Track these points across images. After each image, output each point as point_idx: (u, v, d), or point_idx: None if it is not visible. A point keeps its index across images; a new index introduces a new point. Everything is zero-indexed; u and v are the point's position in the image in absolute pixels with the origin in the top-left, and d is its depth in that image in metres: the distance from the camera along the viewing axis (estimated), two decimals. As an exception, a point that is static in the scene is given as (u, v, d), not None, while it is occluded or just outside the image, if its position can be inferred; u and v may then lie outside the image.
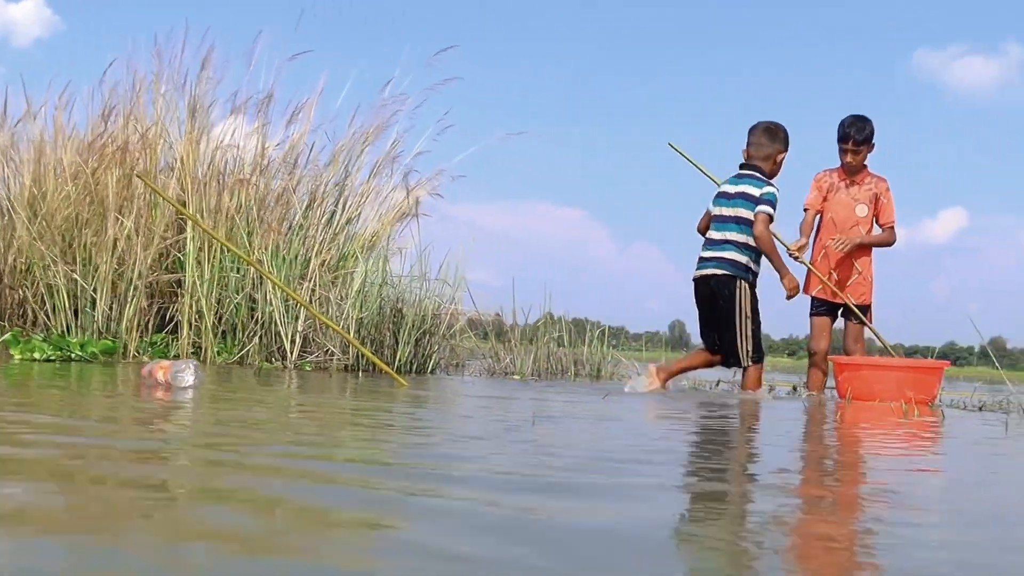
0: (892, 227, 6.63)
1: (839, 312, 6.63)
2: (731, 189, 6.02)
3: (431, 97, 7.84)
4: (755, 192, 5.87)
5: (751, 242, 5.87)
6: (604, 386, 6.41)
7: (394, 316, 6.66)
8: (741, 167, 6.09)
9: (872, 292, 6.60)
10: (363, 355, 6.41)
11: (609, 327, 8.43)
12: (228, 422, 2.93)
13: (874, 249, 6.62)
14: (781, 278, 5.90)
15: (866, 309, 6.56)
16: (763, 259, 5.98)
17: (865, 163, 6.64)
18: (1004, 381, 6.59)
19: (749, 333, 5.91)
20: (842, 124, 6.55)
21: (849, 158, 6.53)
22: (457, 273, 7.19)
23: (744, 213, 5.89)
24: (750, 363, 5.95)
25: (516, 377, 7.10)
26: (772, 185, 5.93)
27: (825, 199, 6.68)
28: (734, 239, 5.90)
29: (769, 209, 5.82)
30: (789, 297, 5.92)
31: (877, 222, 6.67)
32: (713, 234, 6.01)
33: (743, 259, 5.91)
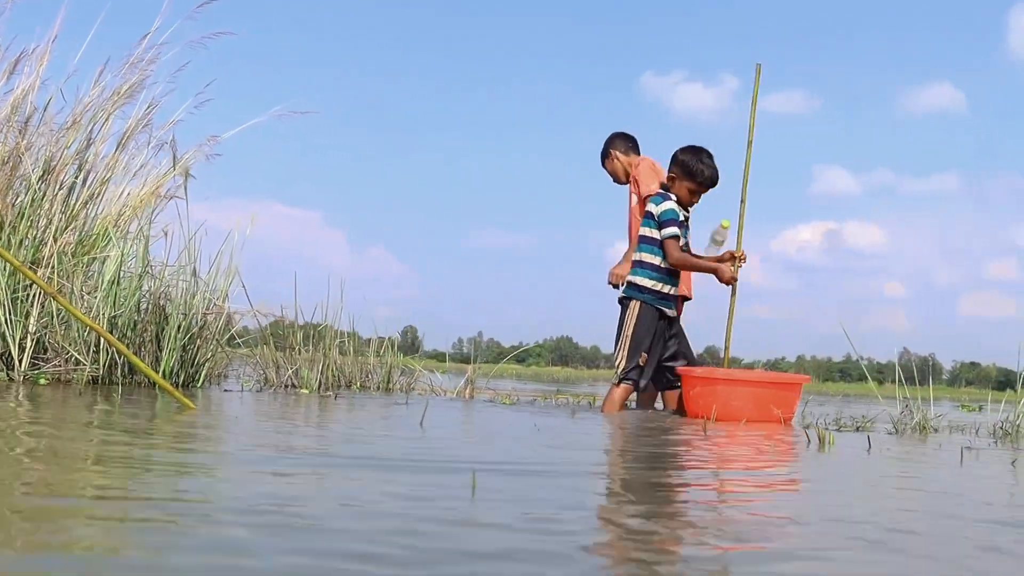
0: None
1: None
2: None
3: (198, 57, 6.57)
4: (654, 209, 5.65)
5: (656, 261, 5.64)
6: (418, 401, 5.42)
7: (157, 315, 5.34)
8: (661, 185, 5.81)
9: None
10: (118, 365, 5.09)
11: (344, 332, 7.56)
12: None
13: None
14: (718, 277, 5.58)
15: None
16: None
17: (628, 171, 6.47)
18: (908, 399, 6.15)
19: (625, 351, 5.60)
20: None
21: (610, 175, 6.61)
22: (231, 264, 5.95)
23: (647, 232, 5.69)
24: (617, 381, 5.60)
25: (304, 391, 5.95)
26: (670, 199, 5.60)
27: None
28: (640, 259, 5.70)
29: (672, 231, 5.57)
30: (728, 282, 5.57)
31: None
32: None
33: (643, 280, 5.65)
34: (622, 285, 5.90)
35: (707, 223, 5.85)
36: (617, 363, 5.63)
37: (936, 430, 5.08)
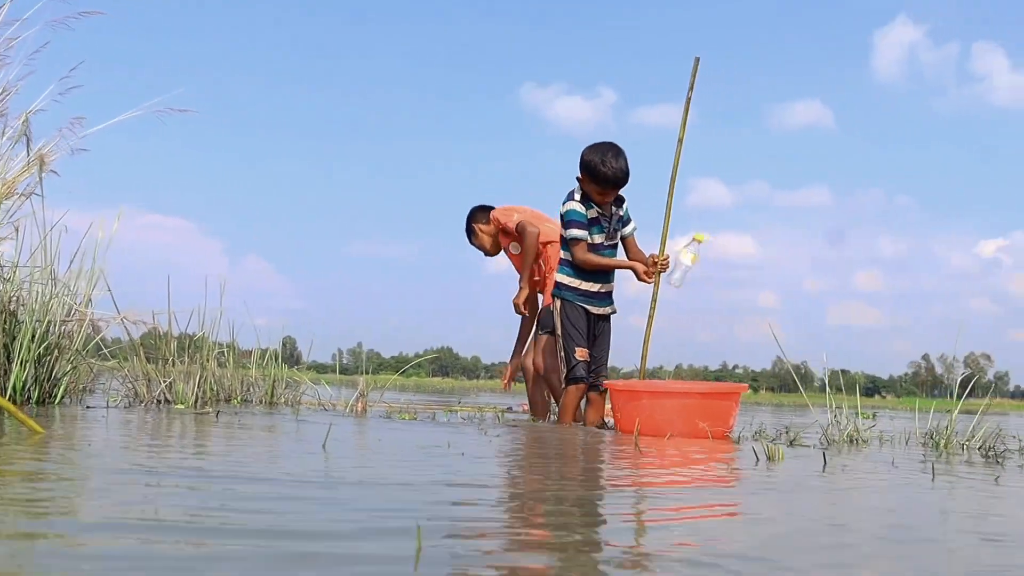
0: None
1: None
2: None
3: (63, 39, 5.91)
4: (560, 210, 5.52)
5: (569, 257, 5.52)
6: (308, 417, 4.88)
7: (6, 322, 4.68)
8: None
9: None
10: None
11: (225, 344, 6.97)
12: None
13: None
14: (636, 275, 5.41)
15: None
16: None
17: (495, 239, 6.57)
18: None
19: (563, 353, 5.44)
20: None
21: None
22: (95, 266, 5.31)
23: (562, 232, 5.57)
24: (564, 384, 5.42)
25: (179, 406, 5.34)
26: (572, 200, 5.42)
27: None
28: (561, 257, 5.61)
29: (573, 232, 5.42)
30: (647, 274, 5.38)
31: None
32: None
33: (561, 278, 5.55)
34: (526, 310, 6.12)
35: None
36: (561, 367, 5.50)
37: (866, 441, 4.81)
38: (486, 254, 6.50)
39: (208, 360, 6.01)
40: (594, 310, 5.48)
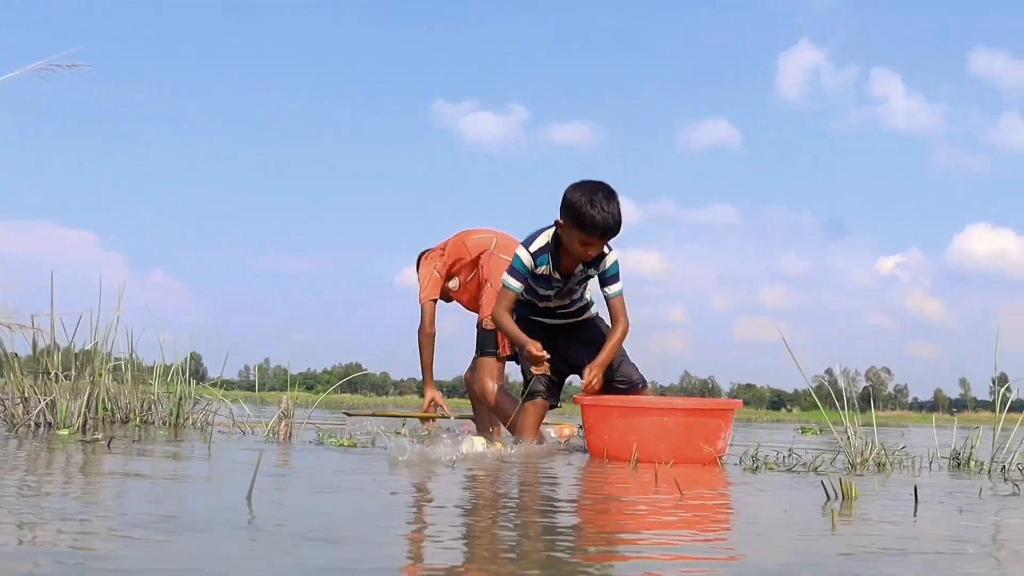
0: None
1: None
2: None
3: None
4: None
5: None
6: (222, 444, 4.02)
7: None
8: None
9: None
10: None
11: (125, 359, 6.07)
12: None
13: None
14: (527, 356, 4.51)
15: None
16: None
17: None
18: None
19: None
20: None
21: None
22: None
23: None
24: (522, 400, 4.64)
25: (62, 431, 4.41)
26: (527, 248, 4.48)
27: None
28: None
29: (507, 280, 4.52)
30: (537, 363, 4.45)
31: None
32: None
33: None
34: (486, 323, 5.12)
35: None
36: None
37: (890, 465, 4.15)
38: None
39: (100, 374, 5.10)
40: (547, 321, 4.77)
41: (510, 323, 4.49)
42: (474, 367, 5.28)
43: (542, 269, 4.46)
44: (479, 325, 5.24)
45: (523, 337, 4.40)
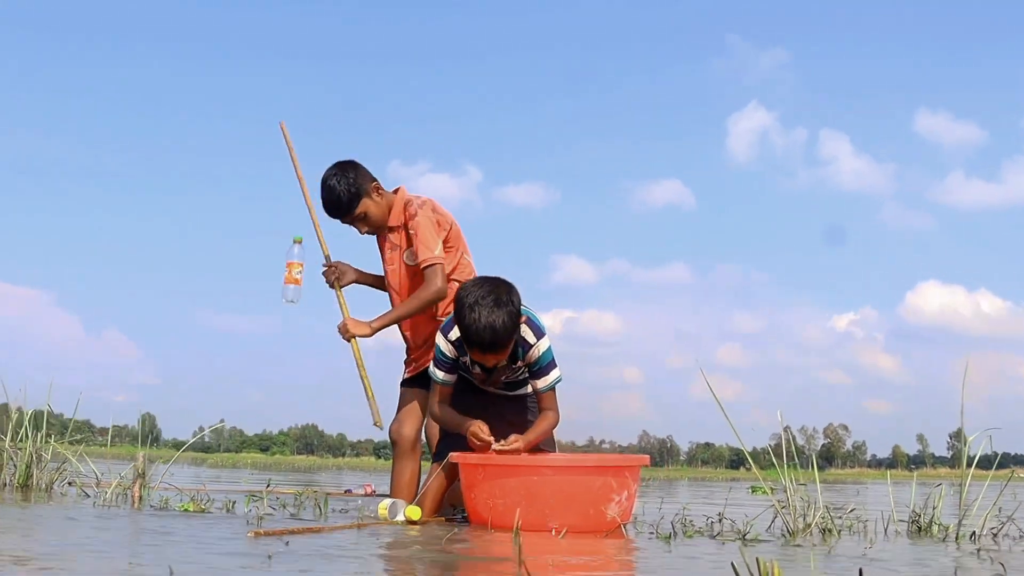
0: (432, 266, 4.27)
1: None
2: None
3: None
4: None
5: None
6: (53, 512, 3.28)
7: None
8: None
9: None
10: None
11: (74, 420, 5.37)
12: None
13: None
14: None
15: None
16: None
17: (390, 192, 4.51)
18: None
19: None
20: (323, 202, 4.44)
21: (362, 229, 4.51)
22: None
23: None
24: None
25: None
26: (439, 336, 3.92)
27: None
28: None
29: (434, 373, 3.91)
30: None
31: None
32: None
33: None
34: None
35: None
36: None
37: (837, 532, 3.48)
38: (362, 231, 4.51)
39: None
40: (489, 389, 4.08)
41: (448, 414, 3.83)
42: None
43: (465, 359, 3.79)
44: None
45: (463, 422, 3.71)
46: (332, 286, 4.57)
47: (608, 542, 3.03)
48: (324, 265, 4.62)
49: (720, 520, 3.66)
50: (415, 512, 3.53)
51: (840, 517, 3.64)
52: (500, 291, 3.54)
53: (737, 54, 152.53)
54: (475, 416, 3.73)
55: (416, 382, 4.36)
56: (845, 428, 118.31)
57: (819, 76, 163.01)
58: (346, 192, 4.28)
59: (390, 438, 4.35)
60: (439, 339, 3.82)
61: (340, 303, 4.53)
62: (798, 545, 3.03)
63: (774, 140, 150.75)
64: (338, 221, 4.41)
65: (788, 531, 3.34)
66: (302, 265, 4.60)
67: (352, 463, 48.46)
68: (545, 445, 4.00)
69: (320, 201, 4.38)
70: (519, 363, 3.80)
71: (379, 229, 4.49)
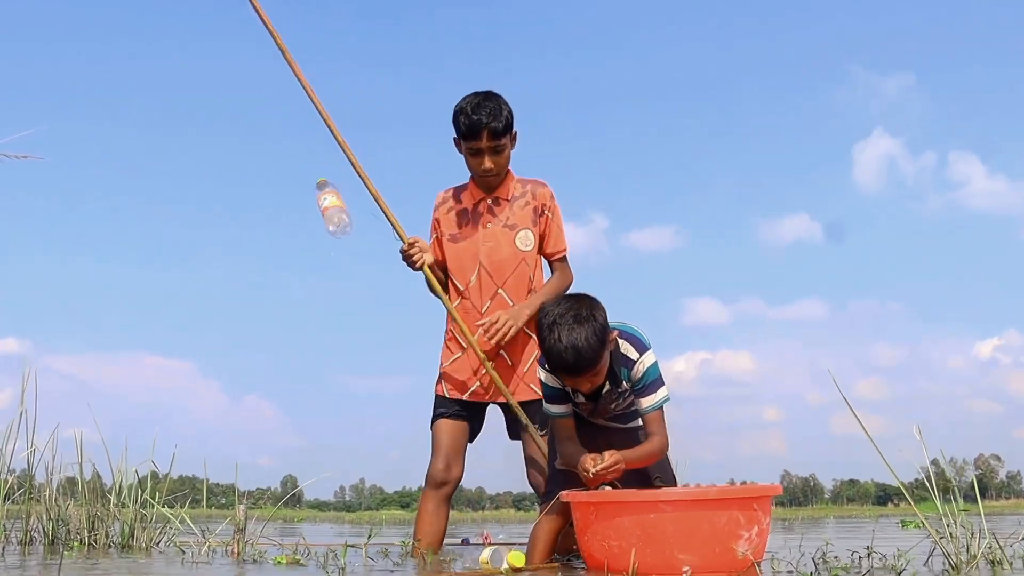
0: (565, 257, 4.11)
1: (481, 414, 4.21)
2: None
3: None
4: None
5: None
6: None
7: None
8: None
9: None
10: None
11: (218, 484, 5.32)
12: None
13: None
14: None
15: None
16: None
17: (509, 167, 4.11)
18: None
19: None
20: (463, 113, 3.94)
21: (488, 163, 3.97)
22: None
23: None
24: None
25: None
26: (540, 369, 3.60)
27: (450, 239, 4.17)
28: None
29: (549, 409, 3.61)
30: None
31: (545, 252, 4.12)
32: None
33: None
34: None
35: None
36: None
37: (1008, 562, 2.98)
38: (486, 165, 3.98)
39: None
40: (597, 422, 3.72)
41: (567, 451, 3.49)
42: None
43: (568, 388, 3.47)
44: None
45: (576, 453, 3.37)
46: (420, 267, 4.01)
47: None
48: (405, 244, 4.01)
49: (868, 555, 3.20)
50: (518, 559, 3.18)
51: (1011, 546, 3.13)
52: (581, 306, 3.21)
53: (859, 82, 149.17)
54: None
55: (464, 413, 4.12)
56: (997, 458, 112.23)
57: (945, 98, 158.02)
58: (508, 112, 3.94)
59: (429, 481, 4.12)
60: (541, 374, 3.50)
61: (434, 287, 4.04)
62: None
63: (902, 166, 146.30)
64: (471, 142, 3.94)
65: (951, 565, 2.87)
66: (337, 193, 4.02)
67: (491, 516, 48.10)
68: (663, 479, 3.62)
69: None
70: (625, 385, 3.45)
71: (489, 187, 4.09)
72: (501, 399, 4.02)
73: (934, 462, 3.46)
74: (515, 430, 4.11)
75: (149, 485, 4.86)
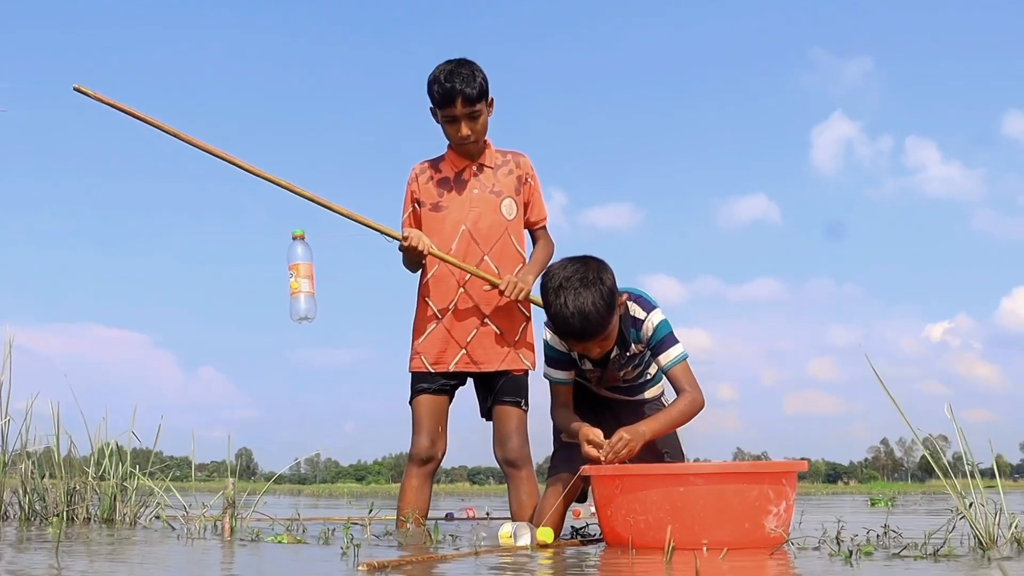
0: (545, 226, 4.13)
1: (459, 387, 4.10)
2: None
3: None
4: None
5: None
6: (138, 545, 2.94)
7: None
8: None
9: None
10: None
11: (172, 456, 5.26)
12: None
13: None
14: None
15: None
16: None
17: (487, 136, 4.04)
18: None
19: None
20: (436, 81, 3.84)
21: (465, 129, 3.88)
22: None
23: None
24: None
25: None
26: (546, 329, 3.52)
27: (431, 208, 4.06)
28: None
29: (549, 374, 3.57)
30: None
31: (528, 221, 4.12)
32: None
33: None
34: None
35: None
36: None
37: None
38: (463, 132, 3.89)
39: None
40: (602, 393, 3.67)
41: (564, 420, 3.39)
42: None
43: (575, 353, 3.36)
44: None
45: (577, 427, 3.24)
46: (427, 254, 3.85)
47: (779, 562, 2.54)
48: (401, 241, 3.85)
49: (886, 533, 3.16)
50: (547, 535, 3.08)
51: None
52: (588, 269, 3.11)
53: (821, 66, 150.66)
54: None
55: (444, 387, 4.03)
56: (944, 439, 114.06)
57: (902, 83, 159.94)
58: (483, 78, 3.84)
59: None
60: (546, 333, 3.40)
61: (448, 260, 3.87)
62: (1009, 557, 2.52)
63: (859, 150, 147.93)
64: (447, 108, 3.84)
65: (980, 543, 2.81)
66: (311, 266, 3.76)
67: (447, 489, 48.15)
68: (671, 455, 3.54)
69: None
70: (635, 347, 3.35)
71: (470, 154, 4.01)
72: (486, 368, 3.92)
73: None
74: (487, 409, 4.02)
75: (129, 457, 4.71)
